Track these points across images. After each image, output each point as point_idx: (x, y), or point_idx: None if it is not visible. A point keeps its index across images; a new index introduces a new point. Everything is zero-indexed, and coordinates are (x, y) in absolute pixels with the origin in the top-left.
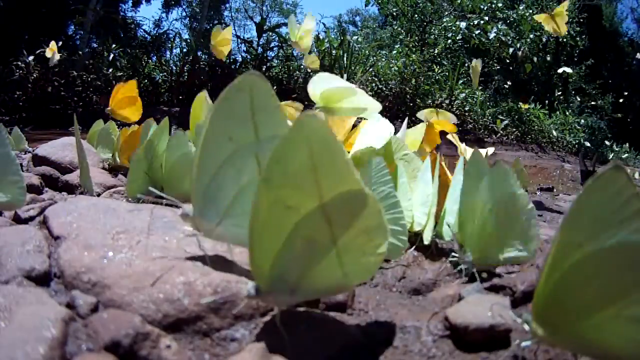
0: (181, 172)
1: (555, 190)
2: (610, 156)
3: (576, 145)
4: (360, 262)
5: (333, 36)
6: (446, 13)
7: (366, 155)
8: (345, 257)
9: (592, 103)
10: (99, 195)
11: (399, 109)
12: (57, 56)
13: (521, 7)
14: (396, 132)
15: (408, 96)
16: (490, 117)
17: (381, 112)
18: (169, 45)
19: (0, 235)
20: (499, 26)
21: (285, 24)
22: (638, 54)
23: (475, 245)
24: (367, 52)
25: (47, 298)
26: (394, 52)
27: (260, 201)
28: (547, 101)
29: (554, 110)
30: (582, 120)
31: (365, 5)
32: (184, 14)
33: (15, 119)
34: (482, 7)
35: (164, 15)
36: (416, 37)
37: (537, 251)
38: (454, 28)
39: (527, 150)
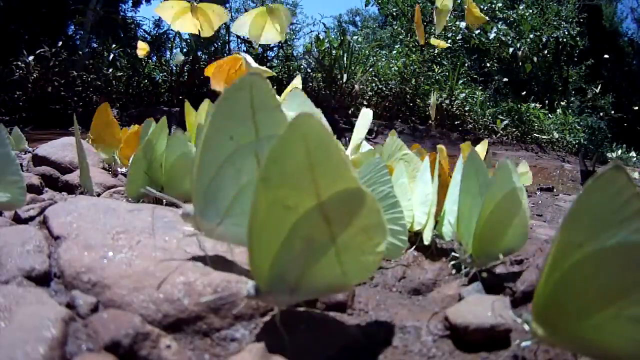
0: (181, 172)
1: (555, 190)
2: (613, 155)
3: (576, 145)
4: (360, 260)
5: (333, 36)
6: None
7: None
8: (344, 256)
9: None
10: (99, 195)
11: (399, 109)
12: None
13: (521, 7)
14: (399, 131)
15: (408, 96)
16: (490, 117)
17: (381, 112)
18: (169, 45)
19: (0, 235)
20: (499, 26)
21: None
22: None
23: (474, 241)
24: (367, 52)
25: (47, 298)
26: (394, 52)
27: (259, 201)
28: (547, 101)
29: (554, 110)
30: (582, 121)
31: (365, 5)
32: None
33: (15, 119)
34: (482, 7)
35: None
36: (416, 37)
37: (537, 251)
38: (454, 28)
39: (527, 150)
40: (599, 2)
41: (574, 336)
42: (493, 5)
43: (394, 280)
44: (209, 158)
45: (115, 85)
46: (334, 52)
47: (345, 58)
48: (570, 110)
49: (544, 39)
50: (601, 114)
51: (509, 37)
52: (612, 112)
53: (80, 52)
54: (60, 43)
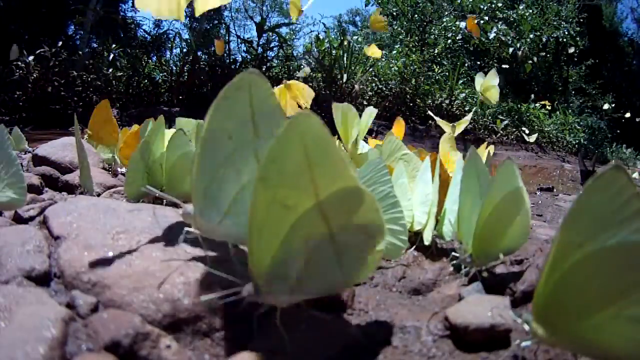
0: (182, 172)
1: (555, 190)
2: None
3: (576, 145)
4: (359, 259)
5: (333, 36)
6: (446, 13)
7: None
8: (343, 254)
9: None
10: (99, 195)
11: (398, 109)
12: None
13: (521, 7)
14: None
15: (408, 96)
16: (490, 117)
17: (381, 112)
18: (169, 45)
19: (0, 235)
20: (499, 26)
21: (286, 24)
22: None
23: (475, 241)
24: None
25: (47, 298)
26: (394, 52)
27: (258, 201)
28: (546, 101)
29: (554, 110)
30: (582, 121)
31: (365, 5)
32: None
33: (15, 119)
34: (482, 7)
35: None
36: (416, 37)
37: (537, 251)
38: (454, 28)
39: (527, 150)
40: (599, 2)
41: (574, 336)
42: (493, 5)
43: (394, 280)
44: (208, 158)
45: (115, 85)
46: (334, 52)
47: (345, 58)
48: (570, 110)
49: (544, 39)
50: (604, 110)
51: (509, 37)
52: (612, 112)
53: (80, 52)
54: (60, 43)
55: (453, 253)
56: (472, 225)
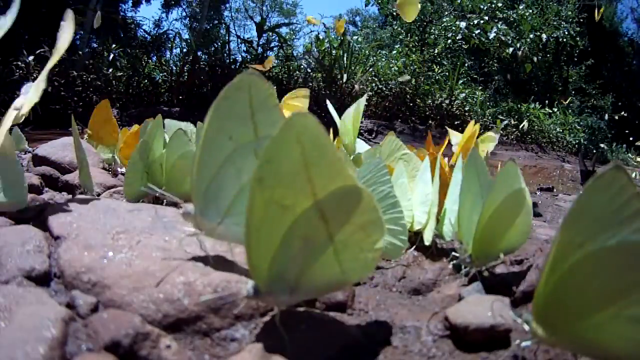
0: (181, 172)
1: (555, 190)
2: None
3: (576, 145)
4: (358, 258)
5: (333, 36)
6: (446, 13)
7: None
8: (342, 254)
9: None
10: (99, 195)
11: (399, 109)
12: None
13: (521, 7)
14: (399, 131)
15: (408, 96)
16: (490, 117)
17: (381, 112)
18: (169, 45)
19: (0, 235)
20: (499, 26)
21: (286, 24)
22: None
23: (475, 241)
24: (367, 52)
25: (47, 298)
26: (394, 52)
27: (255, 201)
28: (547, 101)
29: (568, 107)
30: (582, 121)
31: (365, 5)
32: (184, 14)
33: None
34: (482, 7)
35: (164, 15)
36: (416, 37)
37: (537, 251)
38: (454, 28)
39: (527, 150)
40: (599, 2)
41: (574, 336)
42: (493, 5)
43: (394, 280)
44: (208, 158)
45: (115, 85)
46: (334, 52)
47: (345, 58)
48: (570, 110)
49: (544, 39)
50: (601, 113)
51: (509, 37)
52: (612, 112)
53: (80, 52)
54: None
55: (453, 253)
56: (472, 225)
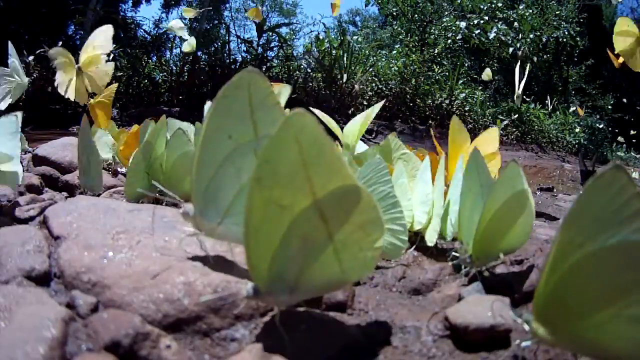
0: (181, 171)
1: (555, 190)
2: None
3: (576, 145)
4: (358, 257)
5: (333, 36)
6: (446, 13)
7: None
8: (342, 253)
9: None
10: (99, 195)
11: (399, 109)
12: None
13: (521, 7)
14: (399, 131)
15: (408, 96)
16: (490, 117)
17: (381, 112)
18: (169, 45)
19: (0, 235)
20: (499, 26)
21: (286, 24)
22: None
23: (475, 241)
24: (367, 52)
25: (47, 298)
26: (394, 52)
27: (254, 201)
28: (547, 101)
29: (554, 110)
30: (582, 121)
31: (365, 5)
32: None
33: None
34: (482, 7)
35: (164, 15)
36: (416, 37)
37: (537, 251)
38: (454, 28)
39: (527, 150)
40: (599, 2)
41: (574, 336)
42: (493, 5)
43: (394, 280)
44: (208, 157)
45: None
46: (334, 52)
47: (345, 58)
48: (570, 110)
49: (544, 39)
50: (601, 113)
51: (509, 37)
52: (612, 112)
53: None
54: (60, 43)
55: (453, 253)
56: (472, 225)
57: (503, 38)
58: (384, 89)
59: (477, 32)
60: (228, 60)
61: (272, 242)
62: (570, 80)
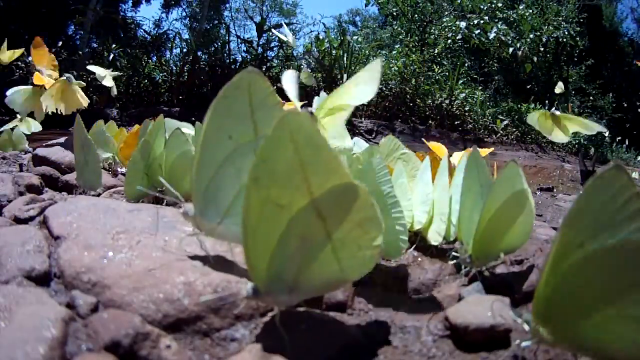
0: (180, 171)
1: (555, 190)
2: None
3: (576, 145)
4: (357, 256)
5: (333, 36)
6: (446, 13)
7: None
8: (341, 252)
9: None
10: (99, 195)
11: (399, 109)
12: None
13: (521, 7)
14: (399, 131)
15: (408, 96)
16: (490, 117)
17: (381, 112)
18: (169, 45)
19: (0, 235)
20: (499, 26)
21: (286, 24)
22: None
23: (475, 241)
24: (367, 52)
25: (47, 298)
26: (394, 52)
27: (251, 201)
28: (547, 101)
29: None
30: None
31: (365, 5)
32: (184, 14)
33: (15, 119)
34: (482, 7)
35: (164, 15)
36: (416, 37)
37: (537, 251)
38: (454, 28)
39: (527, 150)
40: (599, 2)
41: (574, 336)
42: (493, 5)
43: (394, 280)
44: (208, 157)
45: (115, 85)
46: (334, 52)
47: (345, 58)
48: (570, 111)
49: (544, 39)
50: (601, 113)
51: (509, 37)
52: (612, 112)
53: (80, 52)
54: (60, 43)
55: (453, 253)
56: (472, 225)
57: (503, 38)
58: (384, 89)
59: (477, 32)
60: (228, 60)
61: (270, 241)
62: (570, 80)
